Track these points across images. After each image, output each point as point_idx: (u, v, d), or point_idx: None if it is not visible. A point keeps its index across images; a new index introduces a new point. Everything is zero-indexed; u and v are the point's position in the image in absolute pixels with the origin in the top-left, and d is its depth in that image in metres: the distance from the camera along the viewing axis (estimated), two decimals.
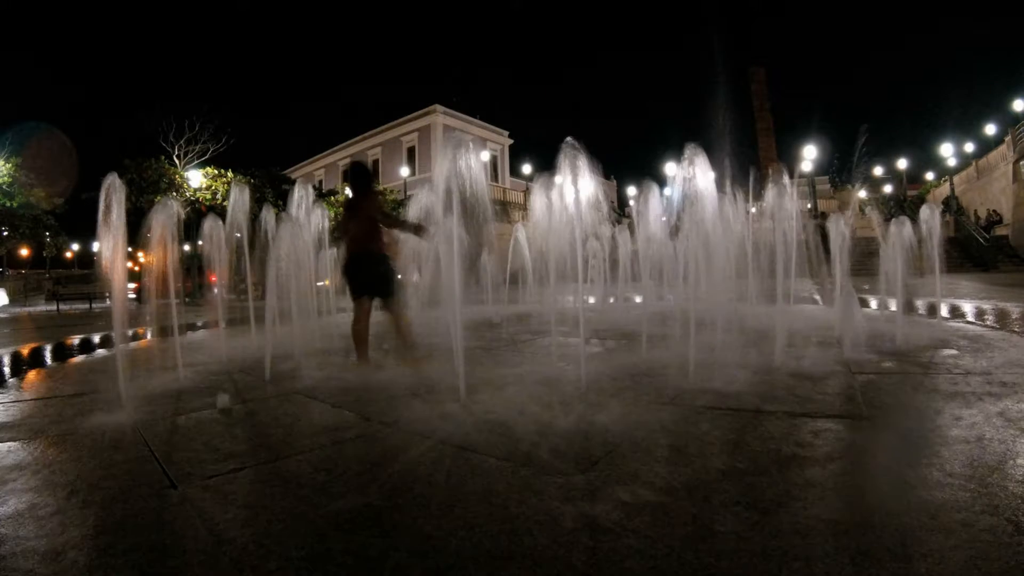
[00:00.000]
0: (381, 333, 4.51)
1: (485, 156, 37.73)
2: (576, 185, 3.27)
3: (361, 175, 4.35)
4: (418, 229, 4.07)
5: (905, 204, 23.34)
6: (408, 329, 4.08)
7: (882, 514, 1.47)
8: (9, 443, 2.49)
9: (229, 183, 19.64)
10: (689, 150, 3.76)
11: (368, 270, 3.99)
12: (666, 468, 1.89)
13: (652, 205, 4.92)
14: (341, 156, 41.65)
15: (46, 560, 1.39)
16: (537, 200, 3.74)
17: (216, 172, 19.91)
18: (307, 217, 6.05)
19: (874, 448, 2.14)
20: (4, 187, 18.47)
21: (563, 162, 3.27)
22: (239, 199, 5.31)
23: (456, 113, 36.73)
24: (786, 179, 4.46)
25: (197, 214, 20.28)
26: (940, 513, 1.45)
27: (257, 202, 19.51)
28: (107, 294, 19.18)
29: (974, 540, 1.31)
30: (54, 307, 17.88)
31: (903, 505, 1.52)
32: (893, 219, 4.63)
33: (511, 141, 40.68)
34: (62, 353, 5.78)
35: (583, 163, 3.25)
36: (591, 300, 9.32)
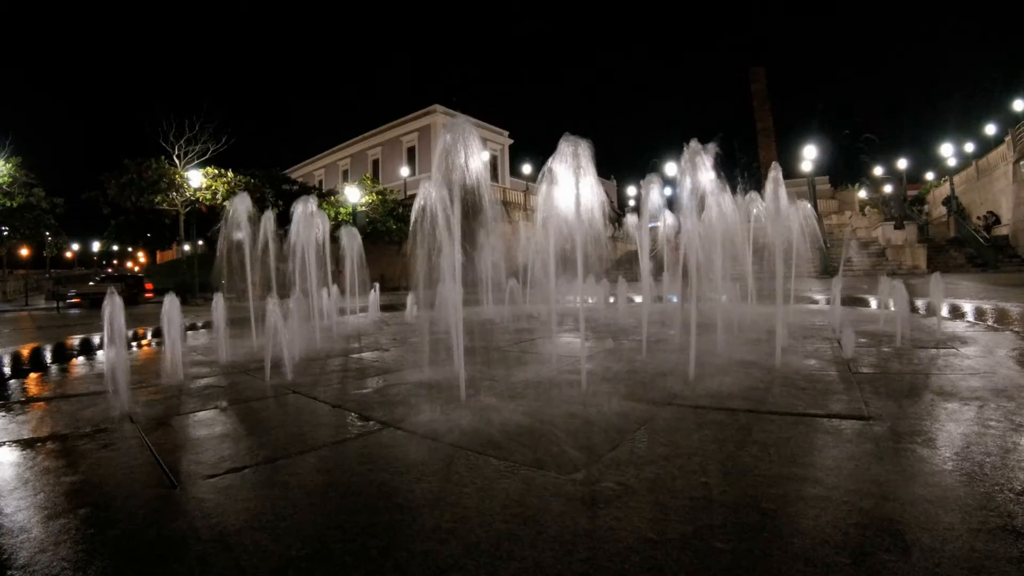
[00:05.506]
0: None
1: (485, 156, 37.74)
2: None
3: None
4: None
5: (905, 204, 23.29)
6: None
7: None
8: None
9: (229, 183, 19.61)
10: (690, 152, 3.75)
11: None
12: None
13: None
14: (341, 156, 41.68)
15: (45, 559, 1.39)
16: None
17: (216, 172, 19.91)
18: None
19: None
20: (4, 187, 18.46)
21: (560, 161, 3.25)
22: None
23: (456, 113, 36.75)
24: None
25: (198, 215, 20.31)
26: None
27: (257, 202, 19.58)
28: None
29: None
30: (54, 306, 17.86)
31: None
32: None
33: (511, 141, 40.69)
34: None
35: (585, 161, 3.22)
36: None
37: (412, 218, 3.23)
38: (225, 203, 19.13)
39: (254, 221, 5.56)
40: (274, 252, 5.86)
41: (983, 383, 2.96)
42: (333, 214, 24.20)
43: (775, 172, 4.60)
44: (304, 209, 6.12)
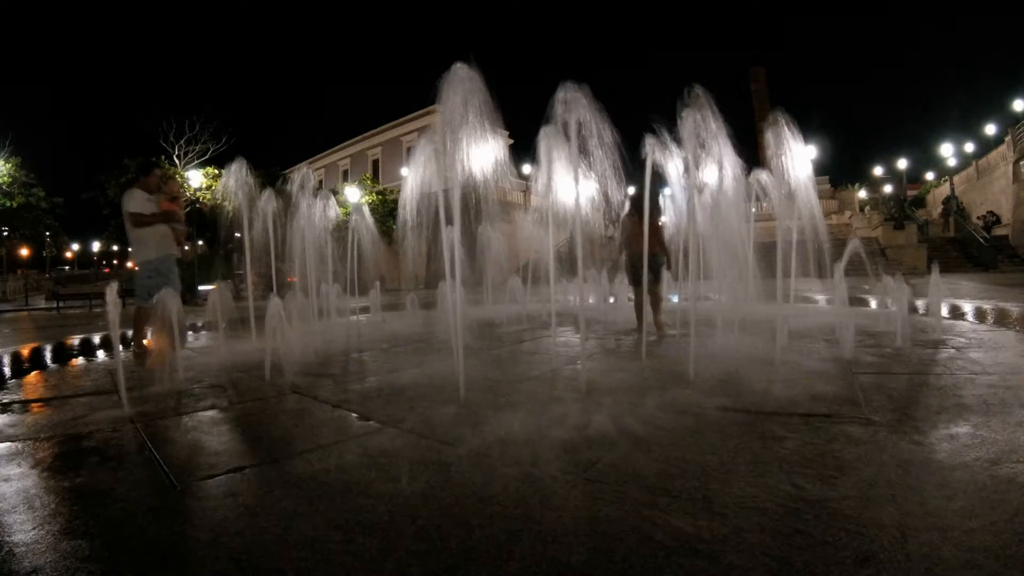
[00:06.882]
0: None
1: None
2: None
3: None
4: None
5: (905, 204, 23.30)
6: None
7: None
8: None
9: None
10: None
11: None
12: None
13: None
14: (341, 156, 41.67)
15: (46, 560, 1.39)
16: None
17: (216, 172, 19.91)
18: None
19: None
20: (4, 187, 18.47)
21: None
22: None
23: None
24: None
25: (199, 214, 20.30)
26: None
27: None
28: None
29: None
30: (54, 306, 17.84)
31: None
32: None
33: (511, 141, 40.66)
34: None
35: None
36: None
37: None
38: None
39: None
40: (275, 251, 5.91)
41: None
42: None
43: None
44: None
